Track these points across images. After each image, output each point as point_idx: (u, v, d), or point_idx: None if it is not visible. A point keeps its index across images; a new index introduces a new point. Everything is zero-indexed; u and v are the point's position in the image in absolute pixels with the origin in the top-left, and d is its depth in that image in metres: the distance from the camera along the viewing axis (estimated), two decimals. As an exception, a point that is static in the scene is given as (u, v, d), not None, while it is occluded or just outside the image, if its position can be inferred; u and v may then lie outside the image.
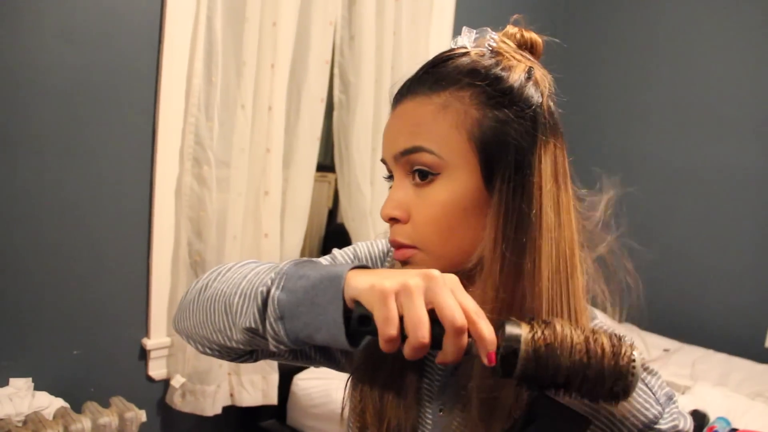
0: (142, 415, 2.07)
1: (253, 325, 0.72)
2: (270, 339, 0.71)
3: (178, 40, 2.18)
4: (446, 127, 0.76)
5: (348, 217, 2.91)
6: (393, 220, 0.80)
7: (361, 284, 0.65)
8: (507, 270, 0.75)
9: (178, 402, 2.38)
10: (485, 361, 0.61)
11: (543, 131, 0.76)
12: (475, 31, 0.82)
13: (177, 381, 2.35)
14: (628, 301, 0.83)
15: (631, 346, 0.62)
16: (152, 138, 2.21)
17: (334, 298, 0.66)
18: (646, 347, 0.82)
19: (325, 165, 3.09)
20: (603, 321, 0.82)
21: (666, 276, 3.36)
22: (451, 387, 0.85)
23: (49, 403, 2.00)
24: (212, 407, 2.41)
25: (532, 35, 0.83)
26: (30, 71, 1.92)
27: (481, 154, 0.76)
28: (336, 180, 2.97)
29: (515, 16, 0.84)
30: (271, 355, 0.90)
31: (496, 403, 0.75)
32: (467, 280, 0.80)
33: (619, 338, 0.62)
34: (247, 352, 0.85)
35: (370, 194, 2.85)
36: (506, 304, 0.75)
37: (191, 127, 2.25)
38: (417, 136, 0.77)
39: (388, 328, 0.61)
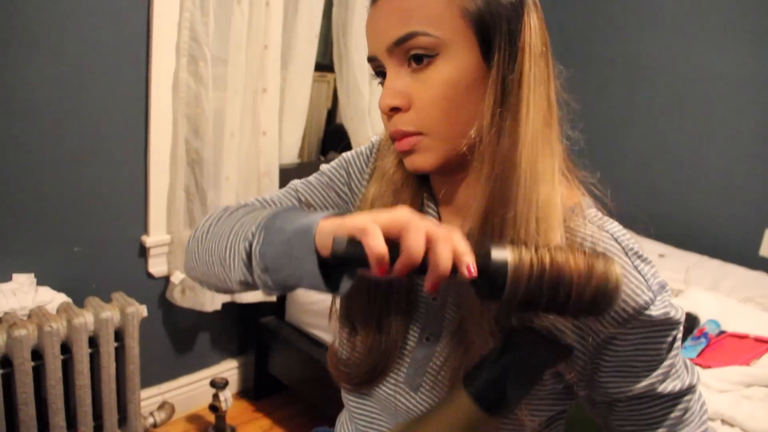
0: (143, 310, 2.11)
1: (243, 279, 0.76)
2: (261, 288, 0.75)
3: (171, -71, 2.09)
4: (438, 6, 0.75)
5: (347, 117, 2.88)
6: (393, 110, 0.79)
7: (333, 224, 0.66)
8: (502, 139, 0.75)
9: (178, 298, 2.42)
10: (465, 273, 0.62)
11: (527, 2, 0.76)
12: None
13: (176, 277, 2.39)
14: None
15: (611, 261, 0.63)
16: (147, 33, 2.15)
17: (308, 251, 0.67)
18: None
19: (324, 65, 3.03)
20: (597, 214, 0.83)
21: (663, 182, 3.36)
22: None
23: (52, 298, 2.03)
24: (212, 303, 2.46)
25: None
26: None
27: (476, 27, 0.75)
28: (335, 80, 2.92)
29: None
30: None
31: (478, 330, 0.77)
32: (461, 166, 0.81)
33: (600, 255, 0.63)
34: None
35: (369, 93, 2.81)
36: (504, 179, 0.75)
37: (186, 23, 2.18)
38: (408, 22, 0.75)
39: (370, 232, 0.62)
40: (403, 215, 0.64)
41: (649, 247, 3.11)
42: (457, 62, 0.75)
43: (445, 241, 0.62)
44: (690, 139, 3.26)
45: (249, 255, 0.74)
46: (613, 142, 3.49)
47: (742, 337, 2.13)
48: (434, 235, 0.62)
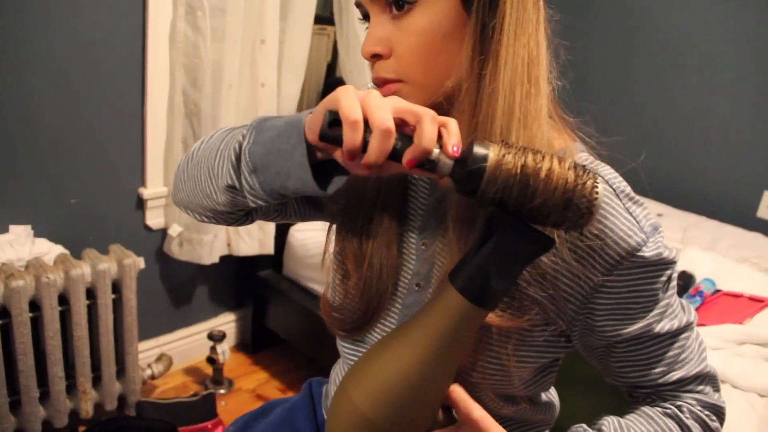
0: (141, 262, 2.11)
1: (230, 182, 0.76)
2: (247, 194, 0.75)
3: None
4: None
5: (346, 69, 2.85)
6: (375, 57, 0.79)
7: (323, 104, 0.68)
8: (482, 87, 0.75)
9: (175, 251, 2.42)
10: (449, 151, 0.64)
11: None
12: None
13: (174, 230, 2.38)
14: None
15: (594, 174, 0.63)
16: (143, -19, 2.12)
17: (298, 141, 0.69)
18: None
19: (324, 17, 2.98)
20: (588, 157, 0.82)
21: (663, 141, 3.34)
22: (431, 223, 0.87)
23: (49, 250, 2.03)
24: (210, 256, 2.46)
25: None
26: None
27: None
28: (335, 33, 2.88)
29: None
30: (264, 216, 0.93)
31: (471, 224, 0.76)
32: (444, 115, 0.80)
33: (583, 168, 0.63)
34: (241, 216, 0.88)
35: (370, 47, 2.78)
36: (482, 126, 0.75)
37: (184, -30, 2.14)
38: None
39: (352, 113, 0.63)
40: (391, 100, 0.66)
41: (648, 206, 3.09)
42: (436, 9, 0.75)
43: (433, 119, 0.64)
44: (690, 98, 3.23)
45: (238, 157, 0.75)
46: (611, 99, 3.46)
47: (737, 296, 2.14)
48: (421, 112, 0.64)
